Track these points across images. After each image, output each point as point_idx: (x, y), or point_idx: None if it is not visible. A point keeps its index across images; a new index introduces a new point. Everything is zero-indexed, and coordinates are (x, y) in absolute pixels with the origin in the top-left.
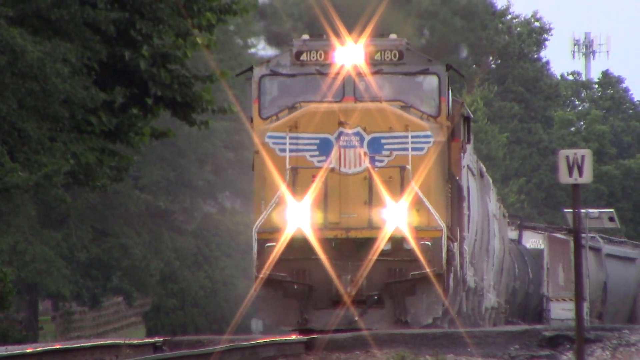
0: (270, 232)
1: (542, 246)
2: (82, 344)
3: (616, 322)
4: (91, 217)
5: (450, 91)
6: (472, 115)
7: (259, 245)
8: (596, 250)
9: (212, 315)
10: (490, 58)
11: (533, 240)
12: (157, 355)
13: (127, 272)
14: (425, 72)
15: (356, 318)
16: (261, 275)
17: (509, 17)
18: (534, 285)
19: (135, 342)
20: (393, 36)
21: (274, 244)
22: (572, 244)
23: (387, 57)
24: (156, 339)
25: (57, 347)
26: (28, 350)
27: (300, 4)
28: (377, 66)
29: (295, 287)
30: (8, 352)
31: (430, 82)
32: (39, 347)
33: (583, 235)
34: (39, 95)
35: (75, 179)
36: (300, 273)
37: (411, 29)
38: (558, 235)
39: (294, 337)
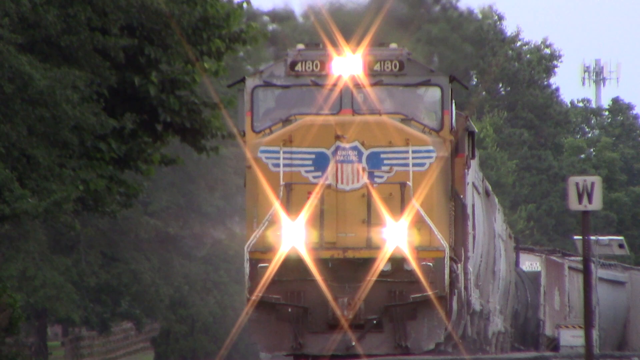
0: (263, 252)
1: (539, 269)
2: None
3: (606, 348)
4: (101, 242)
5: (453, 104)
6: (476, 130)
7: (251, 266)
8: None
9: (222, 342)
10: (500, 85)
11: (529, 263)
12: None
13: (137, 297)
14: (427, 83)
15: (354, 343)
16: (253, 298)
17: (519, 43)
18: (532, 309)
19: None
20: (393, 45)
21: (267, 264)
22: (566, 267)
23: (387, 67)
24: None
25: None
26: None
27: (311, 30)
28: (376, 77)
29: (290, 310)
30: None
31: (433, 94)
32: None
33: (576, 258)
34: (48, 122)
35: (85, 205)
36: (295, 295)
37: (420, 55)
38: (554, 258)
39: None
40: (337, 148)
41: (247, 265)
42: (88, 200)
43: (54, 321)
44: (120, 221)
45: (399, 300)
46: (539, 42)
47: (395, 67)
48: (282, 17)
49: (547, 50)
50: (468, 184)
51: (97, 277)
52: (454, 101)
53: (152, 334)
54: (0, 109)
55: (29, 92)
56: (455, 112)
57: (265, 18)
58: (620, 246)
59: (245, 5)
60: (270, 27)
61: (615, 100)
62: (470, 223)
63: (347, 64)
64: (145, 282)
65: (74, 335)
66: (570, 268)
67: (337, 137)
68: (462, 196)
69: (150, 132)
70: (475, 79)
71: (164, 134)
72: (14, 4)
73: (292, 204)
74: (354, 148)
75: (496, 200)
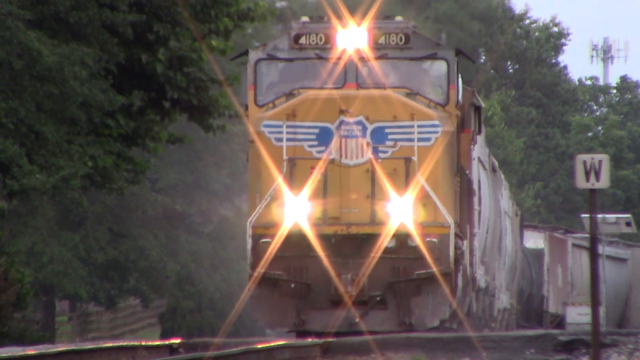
0: (265, 227)
1: (542, 246)
2: (98, 345)
3: (608, 325)
4: (108, 219)
5: (460, 78)
6: (483, 105)
7: (254, 241)
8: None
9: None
10: (508, 63)
11: (532, 240)
12: (173, 357)
13: (144, 274)
14: (433, 57)
15: (357, 320)
16: (255, 274)
17: (527, 21)
18: (536, 286)
19: (151, 343)
20: (399, 18)
21: (269, 239)
22: (569, 244)
23: (392, 40)
24: (173, 340)
25: (74, 348)
26: (45, 351)
27: (319, 7)
28: (381, 50)
29: (292, 286)
30: (26, 353)
31: (439, 67)
32: (56, 348)
33: (579, 235)
34: (57, 99)
35: (93, 181)
36: (298, 271)
37: (428, 33)
38: (557, 235)
39: (309, 340)
40: (341, 122)
41: (249, 241)
42: (96, 177)
43: (61, 297)
44: (127, 198)
45: (403, 277)
46: (548, 20)
47: (400, 40)
48: None
49: (556, 29)
50: (474, 159)
51: (105, 253)
52: (460, 75)
53: (159, 310)
54: (9, 85)
55: (38, 69)
56: (462, 87)
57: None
58: (628, 224)
59: None
60: (279, 4)
61: (623, 78)
62: (476, 199)
63: (352, 37)
64: (152, 258)
65: (81, 311)
66: (573, 245)
67: (341, 112)
68: (467, 172)
69: (158, 109)
70: (484, 57)
71: (172, 112)
72: None
73: (295, 179)
74: (359, 122)
75: (502, 176)
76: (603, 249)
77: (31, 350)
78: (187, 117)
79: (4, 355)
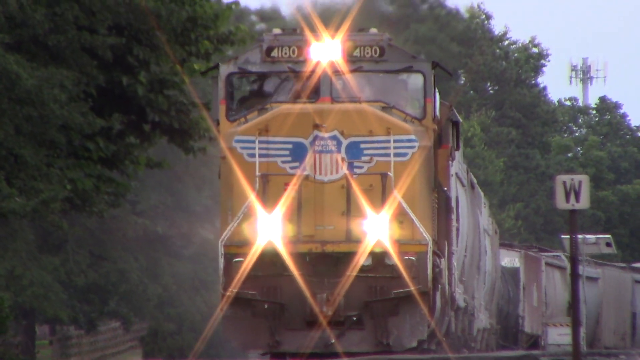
0: (238, 246)
1: (518, 264)
2: None
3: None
4: (89, 242)
5: (437, 92)
6: (460, 120)
7: (226, 261)
8: (561, 269)
9: (209, 340)
10: (488, 83)
11: (508, 259)
12: None
13: (125, 296)
14: (409, 69)
15: (333, 341)
16: (228, 293)
17: (507, 42)
18: (512, 305)
19: None
20: (373, 30)
21: (242, 259)
22: (543, 263)
23: (367, 53)
24: None
25: None
26: None
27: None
28: (356, 63)
29: (266, 306)
30: None
31: (415, 81)
32: None
33: (550, 254)
34: (36, 121)
35: (73, 204)
36: (271, 291)
37: None
38: (531, 253)
39: None
40: (316, 137)
41: (221, 260)
42: (76, 200)
43: (42, 320)
44: (108, 220)
45: (380, 296)
46: (527, 41)
47: (375, 52)
48: (269, 16)
49: (535, 49)
50: (452, 175)
51: (85, 276)
52: (437, 89)
53: (140, 333)
54: None
55: (17, 92)
56: (439, 101)
57: (253, 17)
58: (608, 245)
59: (234, 6)
60: (258, 26)
61: (603, 99)
62: (454, 216)
63: (326, 50)
64: (133, 281)
65: (61, 334)
66: (546, 264)
67: (316, 126)
68: (445, 188)
69: (138, 132)
70: (463, 78)
71: (152, 135)
72: (1, 4)
73: (268, 196)
74: (333, 137)
75: (482, 193)
76: (583, 270)
77: None
78: (167, 140)
79: None
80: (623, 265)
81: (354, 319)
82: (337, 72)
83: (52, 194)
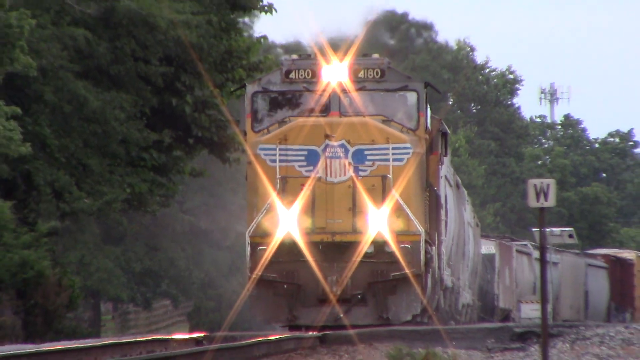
0: (262, 237)
1: (494, 251)
2: (138, 339)
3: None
4: (144, 235)
5: (428, 107)
6: (449, 131)
7: (252, 249)
8: (528, 255)
9: (243, 316)
10: (472, 104)
11: (486, 247)
12: (198, 348)
13: (174, 280)
14: (404, 88)
15: (341, 315)
16: (254, 276)
17: (487, 70)
18: (490, 285)
19: (181, 337)
20: (375, 56)
21: (265, 247)
22: (514, 250)
23: (370, 74)
24: (198, 334)
25: (117, 341)
26: (93, 344)
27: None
28: (360, 83)
29: (285, 286)
30: (78, 345)
31: (410, 98)
32: (102, 342)
33: (518, 242)
34: (100, 136)
35: (131, 205)
36: (290, 274)
37: None
38: (504, 242)
39: (310, 333)
40: (327, 146)
41: (248, 248)
42: (133, 201)
43: (106, 299)
44: (159, 217)
45: (381, 278)
46: (504, 69)
47: (377, 74)
48: (293, 49)
49: (511, 76)
50: (441, 177)
51: (141, 263)
52: (428, 105)
53: (186, 310)
54: (61, 125)
55: (85, 112)
56: (430, 115)
57: (279, 50)
58: (570, 236)
59: (263, 40)
60: (283, 57)
61: (567, 117)
62: (443, 211)
63: (335, 72)
64: (180, 267)
65: (122, 310)
66: (517, 251)
67: (327, 136)
68: (435, 188)
69: (183, 145)
70: (452, 100)
71: (195, 147)
72: (71, 39)
73: (287, 195)
74: (341, 146)
75: (465, 192)
76: (551, 257)
77: (83, 344)
78: (208, 151)
79: (59, 347)
80: (578, 252)
81: (359, 297)
82: (344, 91)
83: (113, 196)
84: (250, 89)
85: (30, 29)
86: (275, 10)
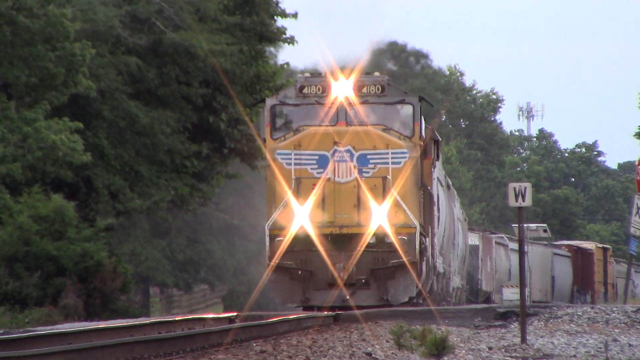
0: (279, 229)
1: (478, 243)
2: (180, 318)
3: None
4: (186, 230)
5: (422, 118)
6: (440, 139)
7: (270, 240)
8: (504, 246)
9: (270, 298)
10: (461, 120)
11: (471, 239)
12: (231, 325)
13: (211, 267)
14: (402, 102)
15: (347, 297)
16: (272, 263)
17: (474, 91)
18: (475, 271)
19: (216, 316)
20: (377, 74)
21: (282, 238)
22: (493, 242)
23: (372, 90)
24: (231, 314)
25: (164, 319)
26: (144, 322)
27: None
28: (364, 97)
29: (299, 272)
30: (130, 323)
31: (407, 110)
32: (151, 320)
33: (497, 235)
34: (149, 147)
35: (175, 204)
36: (303, 261)
37: None
38: (486, 235)
39: (325, 313)
40: (335, 151)
41: (267, 239)
42: (177, 201)
43: (154, 284)
44: (199, 215)
45: (382, 265)
46: (488, 90)
47: (378, 89)
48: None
49: (494, 96)
50: (434, 178)
51: (184, 253)
52: (422, 116)
53: (221, 293)
54: (116, 138)
55: (136, 127)
56: (425, 125)
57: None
58: (544, 231)
59: (285, 66)
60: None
61: (541, 131)
62: (435, 208)
63: (342, 88)
64: (216, 257)
65: (167, 294)
66: (496, 242)
67: (335, 143)
68: (429, 187)
69: (219, 155)
70: (444, 117)
71: (229, 157)
72: (125, 65)
73: (301, 193)
74: (348, 151)
75: (455, 192)
76: (528, 247)
77: (134, 321)
78: (240, 160)
79: (115, 325)
80: (545, 243)
81: (363, 281)
82: (350, 104)
83: (160, 197)
84: (269, 102)
85: (90, 57)
86: (296, 42)
